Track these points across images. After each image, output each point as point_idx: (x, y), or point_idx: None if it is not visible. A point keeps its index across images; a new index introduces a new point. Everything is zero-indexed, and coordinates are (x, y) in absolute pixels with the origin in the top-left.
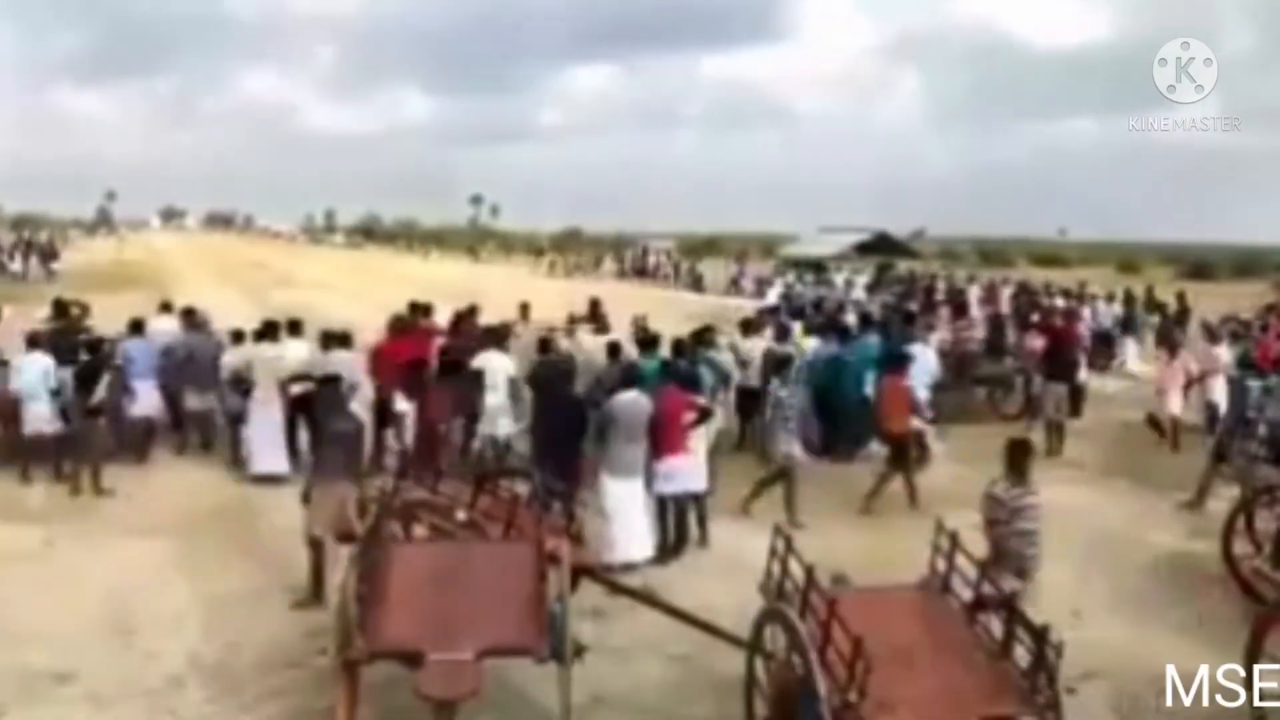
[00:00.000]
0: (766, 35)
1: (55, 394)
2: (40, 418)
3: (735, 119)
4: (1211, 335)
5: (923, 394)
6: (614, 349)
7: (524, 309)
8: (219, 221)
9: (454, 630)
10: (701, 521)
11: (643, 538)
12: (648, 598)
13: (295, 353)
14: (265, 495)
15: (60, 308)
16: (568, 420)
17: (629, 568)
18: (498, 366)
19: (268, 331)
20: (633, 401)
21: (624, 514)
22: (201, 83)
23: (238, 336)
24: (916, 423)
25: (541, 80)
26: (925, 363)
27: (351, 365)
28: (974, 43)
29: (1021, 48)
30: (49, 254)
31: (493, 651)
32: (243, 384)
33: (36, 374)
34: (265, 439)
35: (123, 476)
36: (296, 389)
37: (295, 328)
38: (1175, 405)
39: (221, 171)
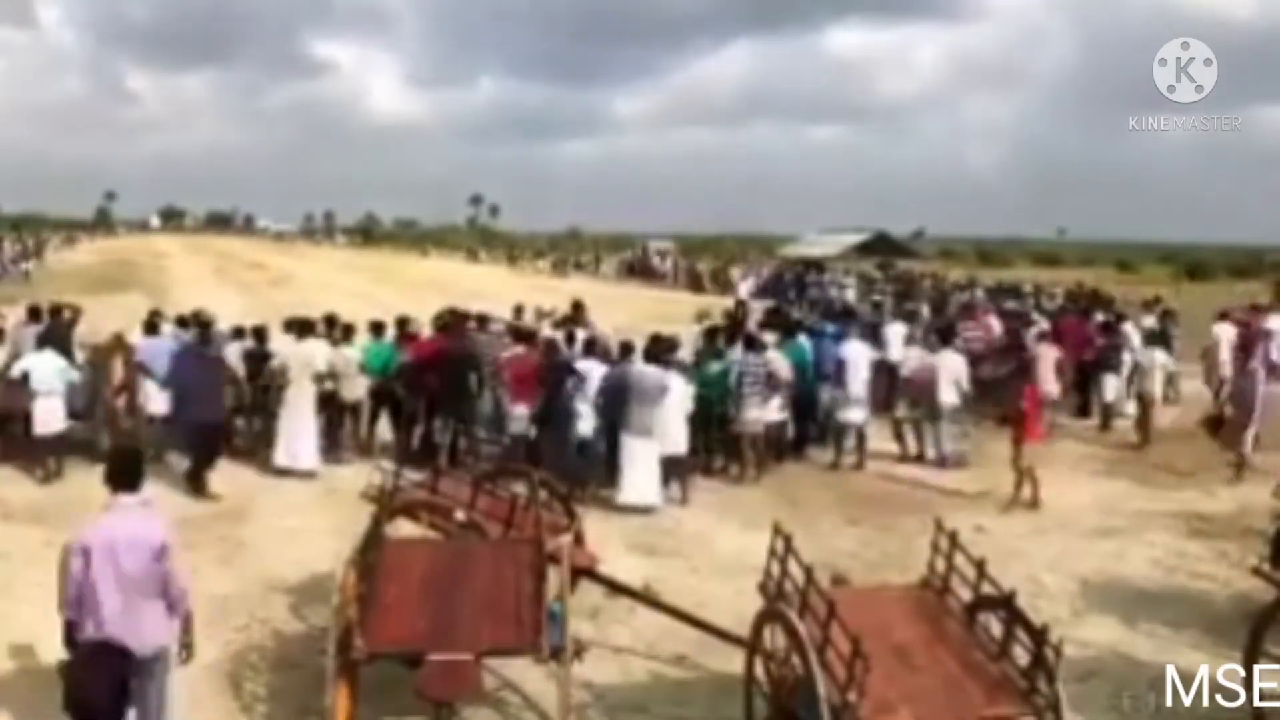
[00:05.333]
0: (929, 10)
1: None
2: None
3: (848, 110)
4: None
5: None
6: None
7: (541, 314)
8: (218, 222)
9: (454, 630)
10: (682, 481)
11: (651, 486)
12: (648, 598)
13: (320, 350)
14: (267, 495)
15: (35, 312)
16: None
17: (644, 510)
18: None
19: (298, 328)
20: (643, 373)
21: (636, 464)
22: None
23: (238, 333)
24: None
25: (643, 64)
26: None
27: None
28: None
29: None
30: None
31: (492, 651)
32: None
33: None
34: (296, 434)
35: None
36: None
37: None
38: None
39: (223, 167)
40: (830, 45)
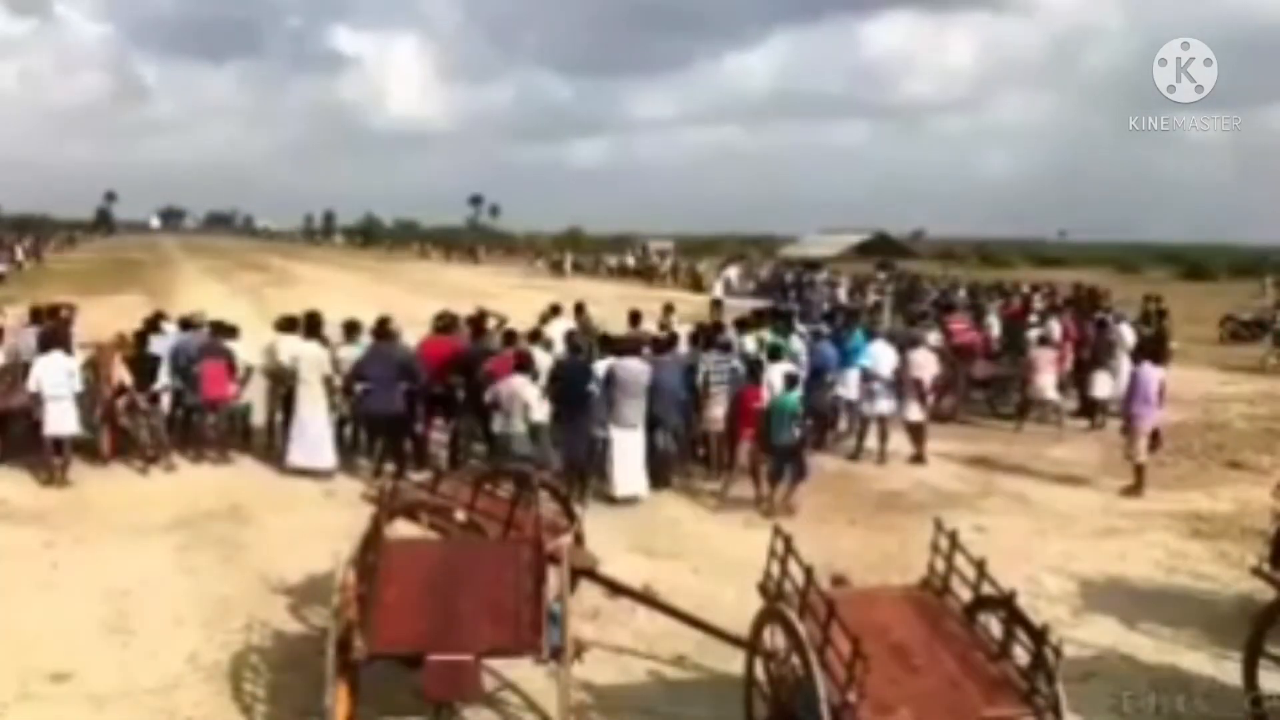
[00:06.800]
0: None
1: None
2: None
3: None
4: None
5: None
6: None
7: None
8: (218, 223)
9: (454, 630)
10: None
11: (639, 478)
12: (648, 598)
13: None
14: (267, 495)
15: (36, 313)
16: None
17: (629, 500)
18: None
19: (306, 327)
20: (628, 367)
21: (623, 458)
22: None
23: (228, 330)
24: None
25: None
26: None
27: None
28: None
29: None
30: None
31: (492, 652)
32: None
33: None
34: (311, 433)
35: (122, 476)
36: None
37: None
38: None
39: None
40: (872, 35)
